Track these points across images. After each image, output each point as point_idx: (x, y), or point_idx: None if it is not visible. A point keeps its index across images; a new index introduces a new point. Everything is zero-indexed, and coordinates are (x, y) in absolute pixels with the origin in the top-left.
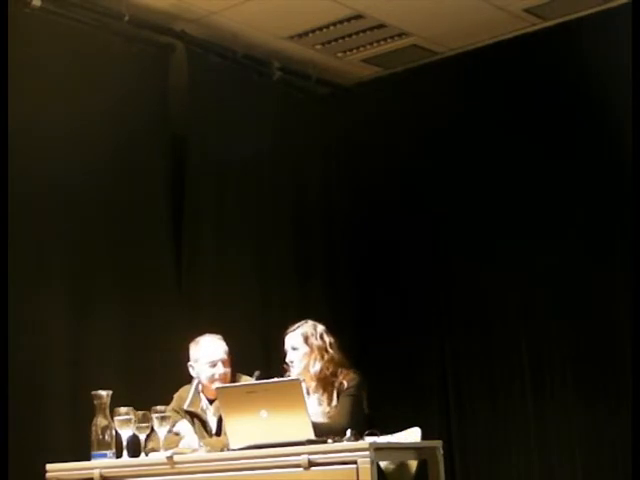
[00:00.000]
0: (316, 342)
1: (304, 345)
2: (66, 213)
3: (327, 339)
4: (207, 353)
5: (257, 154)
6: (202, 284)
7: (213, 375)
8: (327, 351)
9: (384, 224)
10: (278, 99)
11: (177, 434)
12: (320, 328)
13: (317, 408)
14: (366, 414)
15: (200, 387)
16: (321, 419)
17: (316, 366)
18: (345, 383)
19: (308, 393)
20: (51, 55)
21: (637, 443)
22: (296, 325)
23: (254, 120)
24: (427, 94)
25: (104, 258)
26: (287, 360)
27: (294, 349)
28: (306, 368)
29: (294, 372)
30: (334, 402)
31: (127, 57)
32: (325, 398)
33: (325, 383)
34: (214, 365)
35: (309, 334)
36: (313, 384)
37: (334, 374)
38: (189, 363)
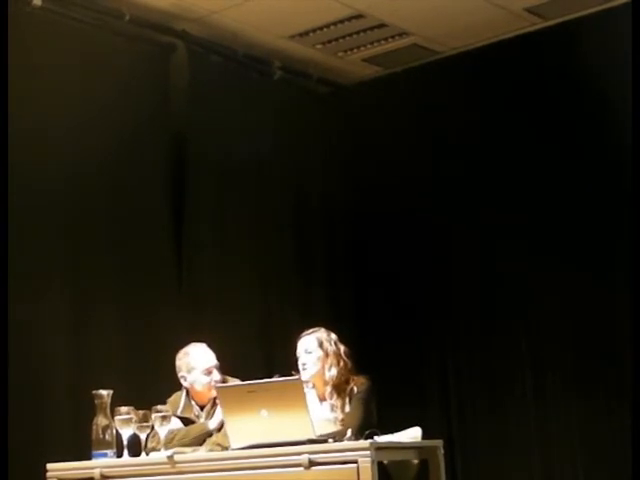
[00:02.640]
0: (331, 348)
1: (318, 349)
2: (66, 212)
3: (341, 346)
4: (201, 362)
5: (257, 153)
6: (202, 284)
7: (209, 383)
8: (342, 357)
9: (384, 224)
10: (279, 98)
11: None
12: (333, 335)
13: (330, 415)
14: (375, 418)
15: (190, 395)
16: (334, 426)
17: (332, 371)
18: (355, 388)
19: (323, 399)
20: (52, 54)
21: (637, 443)
22: (310, 330)
23: (254, 119)
24: (428, 93)
25: (104, 258)
26: (300, 363)
27: (308, 352)
28: (320, 372)
29: (307, 375)
30: (347, 409)
31: (128, 56)
32: (339, 404)
33: (339, 389)
34: (210, 372)
35: (324, 339)
36: (328, 389)
37: (347, 381)
38: (180, 374)
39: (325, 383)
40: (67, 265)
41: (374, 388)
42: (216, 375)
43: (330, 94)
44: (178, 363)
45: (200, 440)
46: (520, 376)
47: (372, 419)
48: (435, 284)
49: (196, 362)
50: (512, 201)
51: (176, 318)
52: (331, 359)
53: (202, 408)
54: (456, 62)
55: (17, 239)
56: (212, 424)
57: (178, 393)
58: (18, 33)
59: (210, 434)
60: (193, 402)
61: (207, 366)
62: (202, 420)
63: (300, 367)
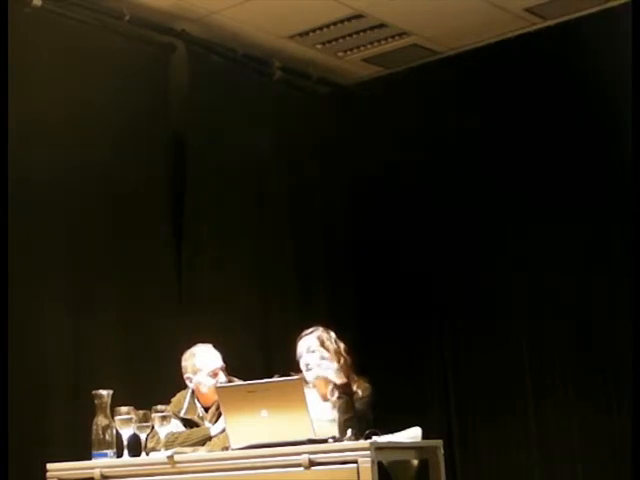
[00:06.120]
0: (332, 346)
1: (321, 349)
2: (66, 213)
3: (340, 344)
4: (208, 363)
5: (257, 154)
6: (202, 284)
7: (215, 385)
8: (342, 355)
9: (384, 224)
10: (278, 99)
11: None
12: (332, 333)
13: (330, 412)
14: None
15: (195, 395)
16: (335, 425)
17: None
18: (359, 392)
19: (325, 398)
20: (51, 55)
21: (637, 443)
22: (310, 330)
23: (254, 120)
24: (428, 93)
25: (104, 258)
26: (303, 363)
27: (311, 352)
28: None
29: (312, 375)
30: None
31: (128, 57)
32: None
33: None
34: (216, 375)
35: (324, 338)
36: (330, 388)
37: (348, 380)
38: (186, 375)
39: (328, 382)
40: (67, 265)
41: (375, 393)
42: (222, 377)
43: (330, 94)
44: (184, 364)
45: (201, 443)
46: (520, 376)
47: (372, 423)
48: (435, 284)
49: (202, 364)
50: (512, 200)
51: (176, 317)
52: (332, 358)
53: (206, 410)
54: (456, 62)
55: (17, 240)
56: (215, 430)
57: (183, 392)
58: (18, 33)
59: (211, 438)
60: (198, 403)
61: (213, 368)
62: (206, 422)
63: (303, 367)
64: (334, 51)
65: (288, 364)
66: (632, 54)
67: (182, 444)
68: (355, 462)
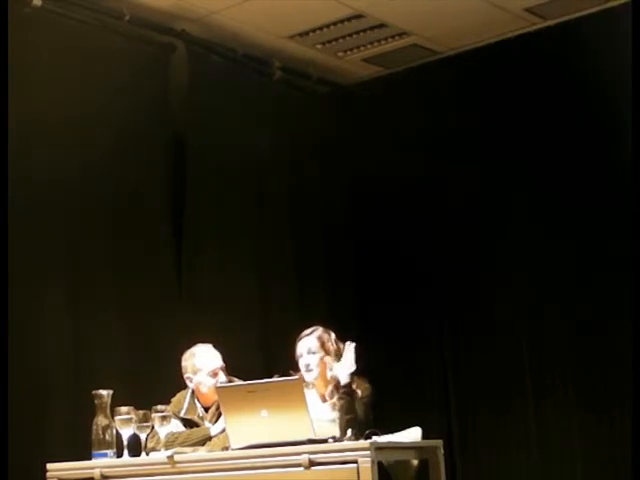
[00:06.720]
0: (332, 347)
1: (321, 350)
2: (66, 213)
3: (340, 345)
4: (208, 363)
5: (257, 154)
6: (202, 284)
7: (215, 385)
8: (342, 356)
9: (384, 224)
10: (278, 99)
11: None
12: (332, 334)
13: (331, 414)
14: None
15: (195, 395)
16: (335, 426)
17: (334, 370)
18: (359, 392)
19: (324, 399)
20: (51, 55)
21: (637, 443)
22: (310, 330)
23: (254, 119)
24: (428, 93)
25: (104, 258)
26: (303, 363)
27: (312, 353)
28: (323, 373)
29: (312, 376)
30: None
31: (128, 57)
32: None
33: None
34: (216, 374)
35: (325, 339)
36: (330, 388)
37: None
38: (186, 375)
39: (328, 382)
40: (67, 265)
41: (375, 393)
42: (222, 377)
43: (330, 94)
44: (184, 364)
45: (201, 443)
46: (520, 376)
47: (372, 424)
48: (435, 284)
49: (202, 364)
50: (513, 200)
51: (176, 317)
52: (332, 358)
53: (206, 410)
54: (456, 62)
55: (17, 240)
56: (215, 430)
57: (183, 392)
58: (18, 33)
59: (211, 438)
60: (198, 403)
61: (213, 368)
62: (206, 422)
63: (303, 368)
64: (334, 51)
65: (288, 364)
66: (632, 54)
67: (182, 444)
68: (355, 462)
